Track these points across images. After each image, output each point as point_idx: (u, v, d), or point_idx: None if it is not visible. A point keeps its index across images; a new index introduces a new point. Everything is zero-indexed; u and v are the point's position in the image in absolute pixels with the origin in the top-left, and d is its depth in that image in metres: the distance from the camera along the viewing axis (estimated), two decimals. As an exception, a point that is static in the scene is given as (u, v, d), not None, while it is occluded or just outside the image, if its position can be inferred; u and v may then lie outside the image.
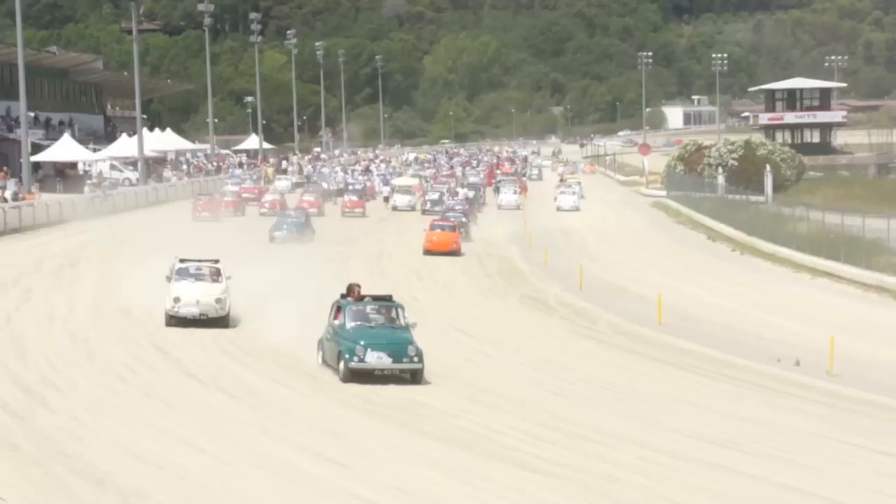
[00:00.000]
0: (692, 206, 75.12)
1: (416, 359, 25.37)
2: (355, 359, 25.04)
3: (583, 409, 24.07)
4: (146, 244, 46.23)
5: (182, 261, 32.86)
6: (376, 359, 25.16)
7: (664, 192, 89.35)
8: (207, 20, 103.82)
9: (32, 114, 79.09)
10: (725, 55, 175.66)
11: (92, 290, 36.44)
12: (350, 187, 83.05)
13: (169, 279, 32.29)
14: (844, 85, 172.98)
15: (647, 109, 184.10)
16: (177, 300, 31.58)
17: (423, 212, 70.55)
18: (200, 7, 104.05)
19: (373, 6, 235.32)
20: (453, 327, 34.37)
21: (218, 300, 31.69)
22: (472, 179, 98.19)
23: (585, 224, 69.84)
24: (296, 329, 28.89)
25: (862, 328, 36.27)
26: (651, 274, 48.64)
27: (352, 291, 26.98)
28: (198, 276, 32.21)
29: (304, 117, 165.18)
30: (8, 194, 62.26)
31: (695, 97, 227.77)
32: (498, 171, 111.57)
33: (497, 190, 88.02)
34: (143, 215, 67.15)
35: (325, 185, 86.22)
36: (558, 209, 79.06)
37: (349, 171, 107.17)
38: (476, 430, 21.72)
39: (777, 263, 52.23)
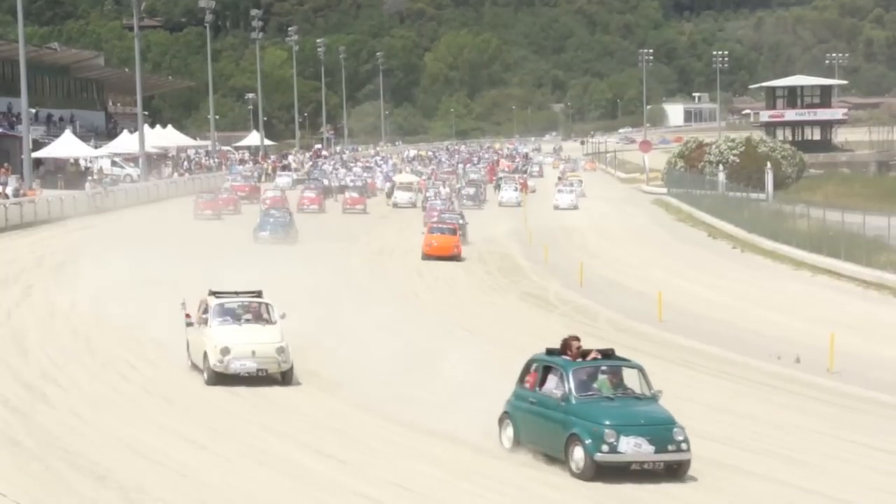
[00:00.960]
0: (693, 203, 75.10)
1: (684, 445, 18.69)
2: (604, 448, 18.26)
3: None
4: (148, 241, 46.30)
5: (216, 294, 25.83)
6: (633, 447, 18.35)
7: (664, 190, 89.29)
8: (209, 17, 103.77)
9: (34, 110, 79.01)
10: (726, 52, 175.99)
11: (93, 287, 36.09)
12: (351, 184, 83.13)
13: (201, 321, 25.48)
14: (845, 82, 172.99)
15: (648, 107, 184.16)
16: (225, 352, 24.29)
17: (424, 209, 70.52)
18: (202, 4, 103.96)
19: (374, 3, 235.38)
20: (454, 324, 34.31)
21: (280, 350, 24.60)
22: (472, 176, 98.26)
23: (586, 221, 69.87)
24: (298, 327, 28.83)
25: (862, 325, 36.25)
26: (651, 271, 48.66)
27: (569, 347, 19.79)
28: (240, 317, 25.27)
29: (305, 114, 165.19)
30: (9, 191, 62.18)
31: (695, 94, 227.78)
32: (504, 169, 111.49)
33: (498, 187, 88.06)
34: (145, 212, 67.15)
35: (325, 181, 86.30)
36: (556, 207, 78.70)
37: (349, 168, 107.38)
38: (476, 426, 21.47)
39: (777, 261, 52.19)
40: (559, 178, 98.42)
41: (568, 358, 19.53)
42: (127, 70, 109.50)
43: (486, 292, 42.47)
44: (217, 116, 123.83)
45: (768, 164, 77.10)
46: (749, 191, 68.04)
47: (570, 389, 18.90)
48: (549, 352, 20.03)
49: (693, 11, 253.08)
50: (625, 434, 18.32)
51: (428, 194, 74.81)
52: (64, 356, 27.05)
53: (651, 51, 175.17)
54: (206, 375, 24.52)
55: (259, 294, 25.96)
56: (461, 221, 55.39)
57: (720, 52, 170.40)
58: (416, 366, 26.31)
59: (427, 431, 21.36)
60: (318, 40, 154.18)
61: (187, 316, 26.10)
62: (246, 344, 24.35)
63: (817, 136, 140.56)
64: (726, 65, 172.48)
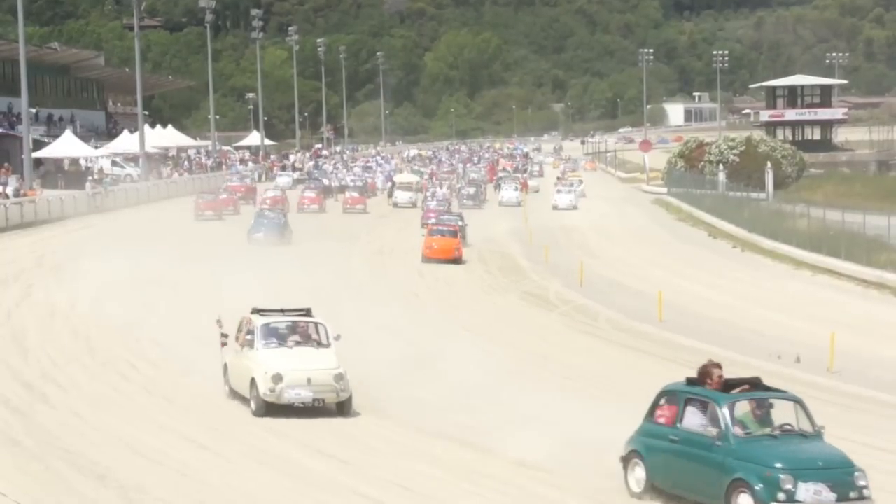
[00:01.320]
0: (693, 202, 74.96)
1: (866, 491, 16.05)
2: (780, 496, 15.50)
3: (583, 406, 23.84)
4: (149, 241, 46.27)
5: (260, 312, 23.12)
6: (813, 495, 15.61)
7: (665, 189, 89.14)
8: (209, 17, 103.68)
9: (34, 110, 78.87)
10: (726, 52, 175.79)
11: (93, 287, 36.22)
12: (351, 184, 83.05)
13: (245, 343, 22.77)
14: (845, 82, 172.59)
15: (648, 106, 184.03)
16: (277, 379, 21.60)
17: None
18: (202, 3, 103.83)
19: (374, 3, 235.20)
20: (455, 324, 34.21)
21: (338, 377, 21.96)
22: (473, 176, 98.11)
23: (586, 221, 69.68)
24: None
25: (862, 325, 36.12)
26: (651, 271, 48.51)
27: (709, 376, 16.95)
28: (288, 338, 22.61)
29: (306, 114, 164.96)
30: (10, 190, 62.08)
31: (696, 94, 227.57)
32: (505, 169, 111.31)
33: (498, 187, 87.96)
34: (145, 212, 67.08)
35: (326, 181, 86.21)
36: (555, 207, 77.98)
37: (350, 168, 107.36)
38: (477, 426, 21.62)
39: (778, 260, 52.03)
40: (559, 178, 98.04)
41: (710, 387, 16.75)
42: (127, 70, 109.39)
43: (486, 292, 42.40)
44: (217, 116, 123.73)
45: (768, 164, 76.93)
46: (749, 190, 67.91)
47: (727, 426, 16.12)
48: (691, 381, 17.07)
49: (693, 11, 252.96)
50: (803, 479, 15.53)
51: (427, 194, 74.62)
52: (64, 356, 26.98)
53: (651, 50, 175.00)
54: (253, 406, 21.89)
55: (308, 312, 23.16)
56: (461, 223, 53.82)
57: (720, 52, 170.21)
58: (417, 366, 26.20)
59: (428, 431, 21.32)
60: (319, 40, 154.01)
61: (224, 336, 23.25)
62: (300, 370, 21.65)
63: (817, 136, 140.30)
64: (726, 64, 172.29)
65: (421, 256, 48.20)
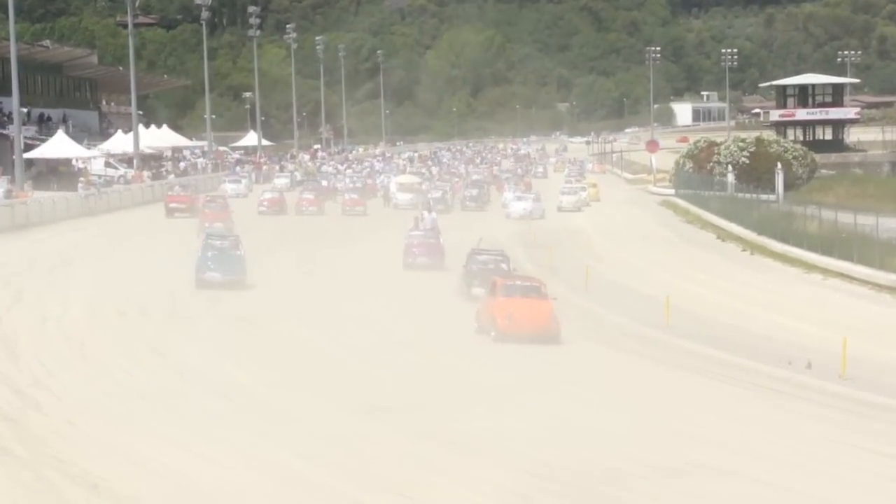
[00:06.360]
0: (701, 204, 74.64)
1: None
2: None
3: (588, 412, 23.62)
4: (143, 242, 46.27)
5: None
6: None
7: (672, 191, 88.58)
8: (205, 14, 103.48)
9: (25, 109, 78.97)
10: (735, 50, 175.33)
11: (86, 291, 36.19)
12: (351, 185, 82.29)
13: None
14: (857, 81, 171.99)
15: (656, 106, 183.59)
16: None
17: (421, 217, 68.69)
18: (198, 0, 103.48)
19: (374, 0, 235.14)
20: (457, 329, 33.69)
21: None
22: (475, 177, 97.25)
23: (591, 223, 69.57)
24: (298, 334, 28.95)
25: (875, 330, 35.91)
26: (659, 274, 48.18)
27: None
28: None
29: (304, 113, 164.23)
30: (0, 192, 61.86)
31: (704, 93, 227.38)
32: (507, 171, 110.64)
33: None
34: (139, 214, 67.25)
35: (325, 182, 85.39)
36: (508, 217, 70.61)
37: (351, 169, 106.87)
38: (478, 433, 21.35)
39: (788, 263, 51.77)
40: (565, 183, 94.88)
41: None
42: (121, 68, 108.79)
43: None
44: (214, 116, 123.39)
45: (778, 165, 76.18)
46: (759, 192, 67.18)
47: None
48: None
49: (701, 8, 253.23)
50: None
51: (433, 195, 72.71)
52: (56, 362, 26.62)
53: (658, 48, 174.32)
54: None
55: None
56: (504, 266, 38.21)
57: (729, 50, 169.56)
58: (418, 370, 26.33)
59: (428, 437, 21.05)
60: (317, 38, 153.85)
61: None
62: None
63: (829, 136, 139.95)
64: (735, 63, 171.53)
65: (494, 332, 30.99)
